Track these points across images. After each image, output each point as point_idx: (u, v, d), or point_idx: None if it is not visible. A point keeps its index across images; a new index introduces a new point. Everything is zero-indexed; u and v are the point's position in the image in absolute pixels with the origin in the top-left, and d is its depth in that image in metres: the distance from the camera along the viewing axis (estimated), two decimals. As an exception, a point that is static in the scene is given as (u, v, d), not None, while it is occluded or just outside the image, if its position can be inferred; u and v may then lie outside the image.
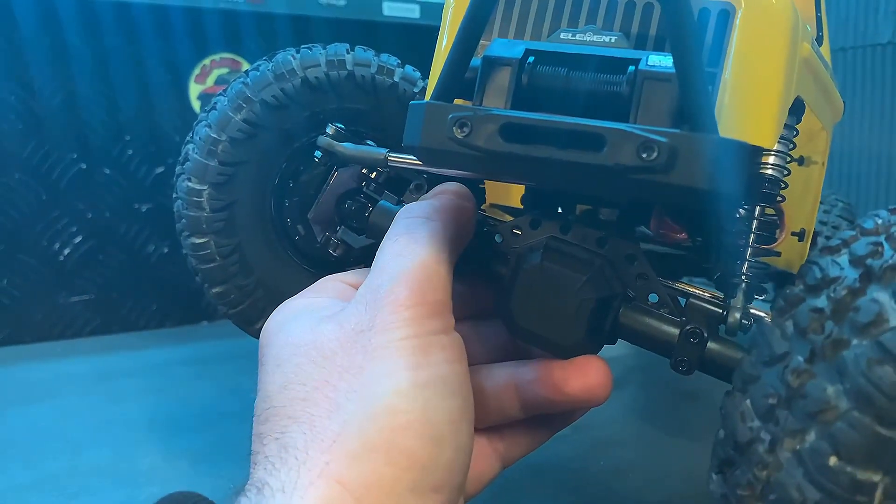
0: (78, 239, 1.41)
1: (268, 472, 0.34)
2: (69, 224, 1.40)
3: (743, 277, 0.48)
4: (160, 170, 1.47)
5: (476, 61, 0.41)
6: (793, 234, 0.66)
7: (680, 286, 0.48)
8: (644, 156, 0.33)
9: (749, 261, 0.48)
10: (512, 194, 0.67)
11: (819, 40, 0.75)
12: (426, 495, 0.34)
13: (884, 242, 0.34)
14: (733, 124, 0.41)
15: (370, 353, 0.36)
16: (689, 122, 0.35)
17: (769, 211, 0.49)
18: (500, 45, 0.41)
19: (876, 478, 0.28)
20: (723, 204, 0.42)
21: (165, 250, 1.48)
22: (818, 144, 0.72)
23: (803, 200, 0.70)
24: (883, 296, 0.31)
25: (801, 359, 0.32)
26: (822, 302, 0.33)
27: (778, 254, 0.59)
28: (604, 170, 0.34)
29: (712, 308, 0.45)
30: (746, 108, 0.42)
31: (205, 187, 0.66)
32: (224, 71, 1.50)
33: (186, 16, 1.43)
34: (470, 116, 0.36)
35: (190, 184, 0.66)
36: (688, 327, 0.44)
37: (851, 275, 0.33)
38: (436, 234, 0.40)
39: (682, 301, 0.47)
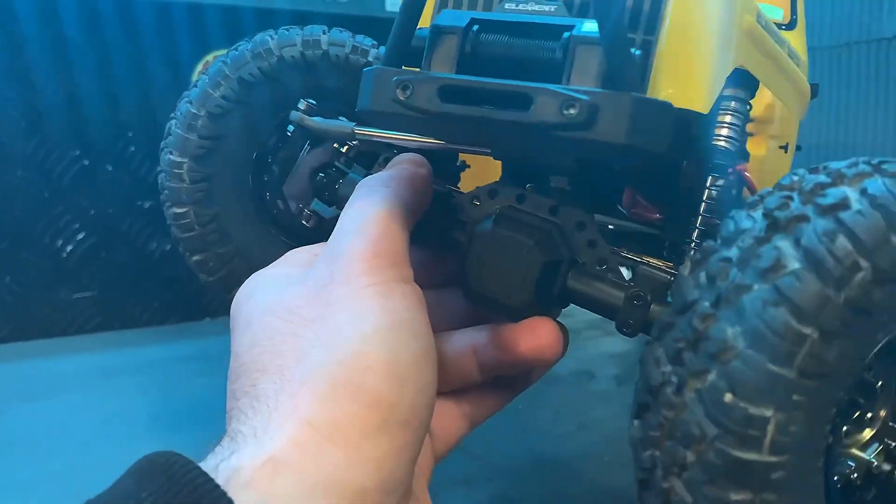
0: (80, 236, 1.43)
1: (241, 422, 0.35)
2: (72, 221, 1.42)
3: (692, 245, 0.49)
4: (162, 167, 1.48)
5: (425, 31, 0.42)
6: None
7: (631, 255, 0.49)
8: (566, 112, 0.35)
9: (699, 229, 0.49)
10: (491, 178, 0.68)
11: (791, 24, 0.76)
12: (392, 432, 0.35)
13: (794, 196, 0.35)
14: (667, 90, 0.42)
15: (333, 303, 0.37)
16: (612, 82, 0.36)
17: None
18: (448, 15, 0.43)
19: (768, 413, 0.29)
20: (652, 163, 0.43)
21: (168, 247, 1.50)
22: (790, 128, 0.72)
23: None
24: (784, 243, 0.32)
25: (707, 304, 0.33)
26: (732, 252, 0.34)
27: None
28: (531, 127, 0.36)
29: (660, 274, 0.46)
30: (679, 73, 0.43)
31: (185, 160, 0.69)
32: (225, 68, 1.51)
33: (189, 12, 1.46)
34: (411, 79, 0.38)
35: (171, 157, 0.69)
36: (632, 291, 0.45)
37: (760, 225, 0.34)
38: (390, 197, 0.42)
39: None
